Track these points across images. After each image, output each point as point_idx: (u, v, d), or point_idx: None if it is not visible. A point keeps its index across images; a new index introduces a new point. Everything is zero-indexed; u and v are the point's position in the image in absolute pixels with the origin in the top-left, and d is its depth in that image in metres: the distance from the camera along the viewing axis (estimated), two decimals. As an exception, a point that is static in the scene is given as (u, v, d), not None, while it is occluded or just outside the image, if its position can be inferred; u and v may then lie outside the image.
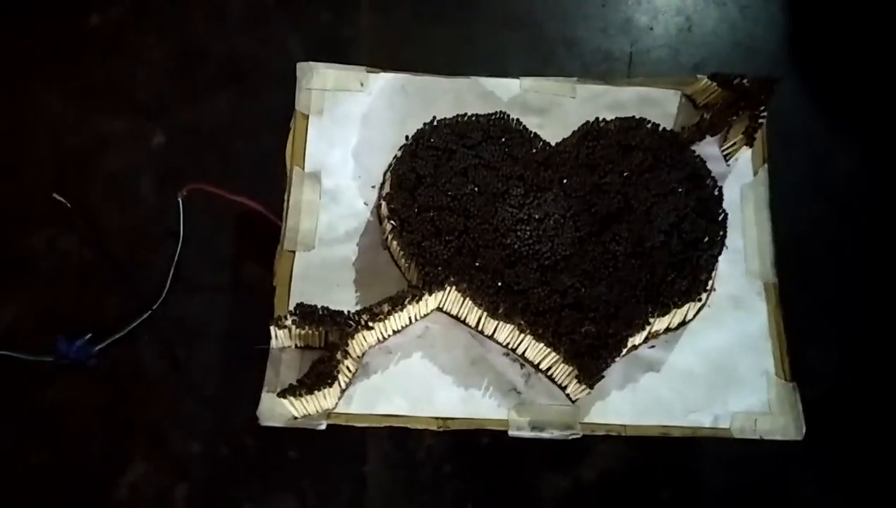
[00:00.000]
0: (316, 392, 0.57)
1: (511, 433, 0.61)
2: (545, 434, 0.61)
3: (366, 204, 0.69)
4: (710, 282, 0.63)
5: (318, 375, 0.57)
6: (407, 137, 0.66)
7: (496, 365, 0.64)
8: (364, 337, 0.61)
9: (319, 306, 0.60)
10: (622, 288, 0.62)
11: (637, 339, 0.64)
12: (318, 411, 0.60)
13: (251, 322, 0.66)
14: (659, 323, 0.63)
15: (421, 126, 0.66)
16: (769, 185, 0.72)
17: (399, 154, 0.65)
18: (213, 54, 0.93)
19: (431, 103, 0.71)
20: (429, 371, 0.63)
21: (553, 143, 0.68)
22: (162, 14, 0.95)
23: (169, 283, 0.79)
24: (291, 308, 0.61)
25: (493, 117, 0.67)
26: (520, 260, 0.62)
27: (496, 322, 0.61)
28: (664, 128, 0.67)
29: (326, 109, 0.72)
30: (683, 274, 0.62)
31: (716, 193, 0.65)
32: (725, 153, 0.71)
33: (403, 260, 0.63)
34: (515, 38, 0.95)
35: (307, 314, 0.59)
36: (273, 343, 0.62)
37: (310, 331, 0.60)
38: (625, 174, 0.65)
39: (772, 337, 0.66)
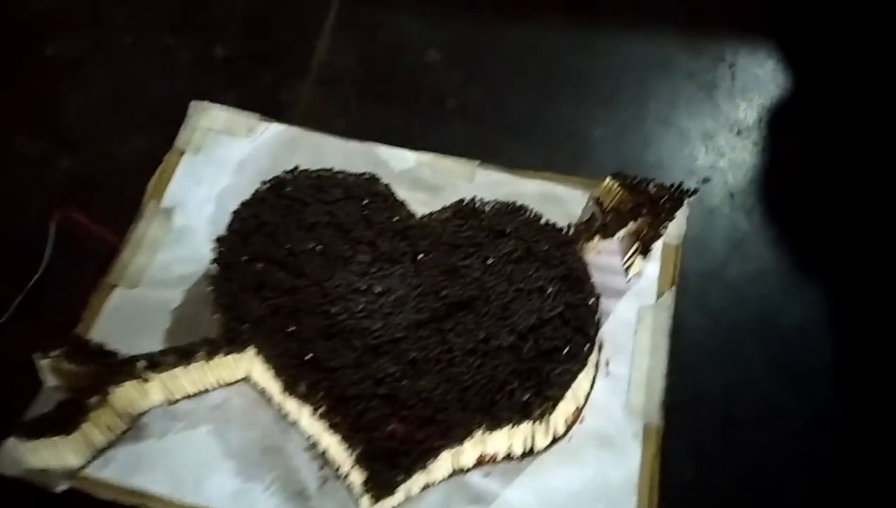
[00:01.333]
0: (47, 438, 0.47)
1: (278, 543, 0.50)
2: (320, 554, 0.49)
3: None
4: (557, 403, 0.51)
5: (56, 419, 0.48)
6: (263, 183, 0.60)
7: (292, 459, 0.53)
8: (144, 391, 0.52)
9: (94, 342, 0.52)
10: (450, 389, 0.51)
11: (465, 459, 0.52)
12: (58, 466, 0.50)
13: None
14: (492, 444, 0.52)
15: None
16: (675, 312, 0.62)
17: (249, 198, 0.59)
18: (151, 98, 0.91)
19: (317, 162, 0.65)
20: (210, 450, 0.53)
21: (420, 216, 0.60)
22: (116, 56, 0.95)
23: (13, 308, 0.72)
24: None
25: (360, 177, 0.60)
26: (340, 334, 0.53)
27: (299, 404, 0.51)
28: (547, 221, 0.59)
29: (205, 149, 0.67)
30: (527, 385, 0.51)
31: (591, 302, 0.55)
32: (626, 266, 0.61)
33: (214, 313, 0.55)
34: (459, 127, 0.89)
35: (75, 348, 0.51)
36: (44, 379, 0.53)
37: (80, 371, 0.51)
38: (488, 261, 0.56)
39: (640, 492, 0.53)
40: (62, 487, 0.50)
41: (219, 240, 0.57)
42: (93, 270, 0.79)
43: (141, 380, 0.51)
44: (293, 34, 0.93)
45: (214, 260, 0.56)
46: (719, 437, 0.67)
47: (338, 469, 0.52)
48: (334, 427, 0.50)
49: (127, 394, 0.51)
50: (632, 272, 0.61)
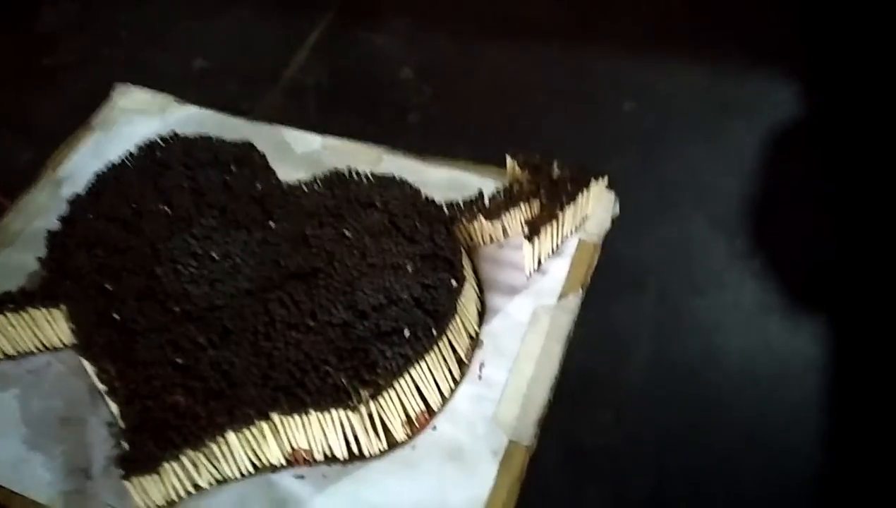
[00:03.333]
0: None
1: (38, 526, 0.42)
2: (79, 545, 0.41)
3: (92, 220, 0.59)
4: (379, 392, 0.42)
5: None
6: (140, 149, 0.57)
7: (89, 434, 0.46)
8: None
9: None
10: (255, 363, 0.43)
11: (271, 453, 0.43)
12: None
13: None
14: (300, 436, 0.42)
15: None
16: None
17: (118, 161, 0.56)
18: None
19: (221, 142, 0.62)
20: (9, 414, 0.47)
21: (287, 185, 0.54)
22: (103, 67, 0.97)
23: None
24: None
25: (235, 144, 0.56)
26: (158, 297, 0.47)
27: (92, 369, 0.45)
28: (426, 197, 0.51)
29: (115, 127, 0.66)
30: (345, 366, 0.42)
31: (453, 285, 0.46)
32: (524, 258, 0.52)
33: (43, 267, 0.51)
34: (415, 141, 0.82)
35: None
36: None
37: None
38: (345, 232, 0.49)
39: (486, 521, 0.42)
40: None
41: (73, 198, 0.53)
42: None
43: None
44: (272, 49, 0.92)
45: (60, 217, 0.52)
46: (648, 497, 0.53)
47: (128, 449, 0.45)
48: (114, 393, 0.43)
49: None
50: (527, 265, 0.51)
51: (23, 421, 0.47)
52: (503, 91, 0.83)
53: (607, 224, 0.54)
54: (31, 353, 0.50)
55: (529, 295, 0.51)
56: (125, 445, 0.41)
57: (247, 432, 0.41)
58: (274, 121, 0.76)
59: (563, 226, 0.51)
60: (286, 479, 0.44)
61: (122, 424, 0.44)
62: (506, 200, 0.50)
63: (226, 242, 0.50)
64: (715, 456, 0.53)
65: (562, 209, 0.49)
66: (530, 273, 0.52)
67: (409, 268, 0.47)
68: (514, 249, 0.53)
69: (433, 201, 0.51)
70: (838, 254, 0.66)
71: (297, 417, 0.41)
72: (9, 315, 0.48)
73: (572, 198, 0.50)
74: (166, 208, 0.52)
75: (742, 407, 0.56)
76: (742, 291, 0.63)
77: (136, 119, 0.66)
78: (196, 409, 0.41)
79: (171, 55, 0.93)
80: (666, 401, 0.54)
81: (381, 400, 0.42)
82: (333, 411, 0.41)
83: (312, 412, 0.41)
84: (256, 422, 0.41)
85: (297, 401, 0.41)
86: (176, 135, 0.57)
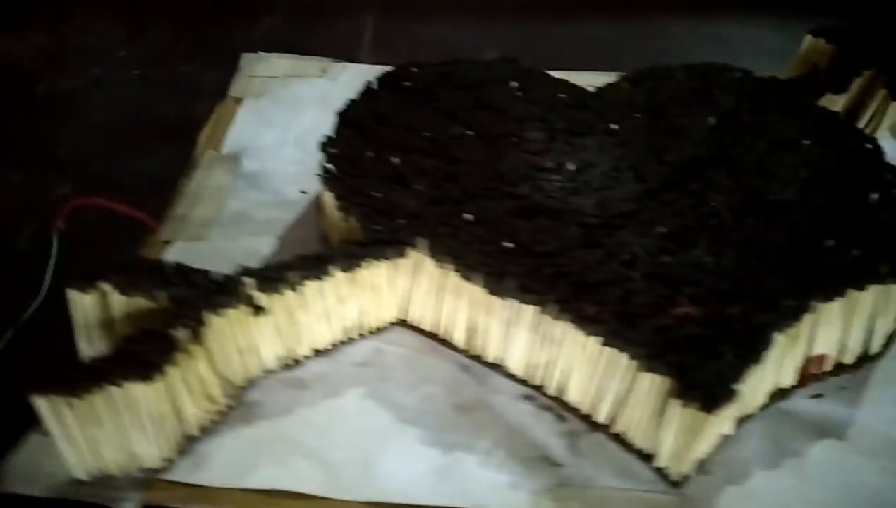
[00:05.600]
0: (113, 385, 0.26)
1: (544, 542, 0.28)
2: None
3: (304, 192, 0.44)
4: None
5: (125, 355, 0.27)
6: (382, 78, 0.44)
7: (510, 415, 0.32)
8: (251, 339, 0.32)
9: (169, 262, 0.32)
10: (740, 257, 0.33)
11: (786, 369, 0.32)
12: (121, 461, 0.28)
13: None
14: (825, 337, 0.33)
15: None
16: None
17: (355, 98, 0.43)
18: (160, 119, 0.74)
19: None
20: (374, 421, 0.32)
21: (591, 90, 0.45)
22: (117, 87, 0.79)
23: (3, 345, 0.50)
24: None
25: (496, 62, 0.45)
26: (543, 215, 0.35)
27: (514, 312, 0.32)
28: (762, 77, 0.44)
29: (269, 93, 0.52)
30: (847, 238, 0.34)
31: (867, 144, 0.39)
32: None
33: (342, 221, 0.36)
34: None
35: (144, 268, 0.31)
36: (80, 338, 0.32)
37: (149, 307, 0.31)
38: (710, 119, 0.41)
39: None
40: (129, 505, 0.28)
41: (327, 141, 0.40)
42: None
43: (249, 310, 0.31)
44: (329, 50, 0.80)
45: (328, 161, 0.38)
46: None
47: (589, 416, 0.31)
48: (588, 324, 0.30)
49: (227, 340, 0.31)
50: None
51: (405, 421, 0.32)
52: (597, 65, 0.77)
53: None
54: (343, 343, 0.35)
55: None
56: (666, 375, 0.28)
57: (782, 336, 0.31)
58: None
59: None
60: (802, 403, 0.33)
61: (589, 377, 0.31)
62: (844, 71, 0.45)
63: (573, 151, 0.39)
64: None
65: (906, 68, 0.45)
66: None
67: (807, 142, 0.39)
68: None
69: (775, 78, 0.44)
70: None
71: (847, 302, 0.32)
72: (337, 277, 0.33)
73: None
74: (469, 132, 0.40)
75: None
76: None
77: (294, 82, 0.53)
78: (724, 311, 0.30)
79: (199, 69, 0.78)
80: None
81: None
82: (865, 294, 0.32)
83: (844, 292, 0.32)
84: (800, 317, 0.31)
85: (834, 286, 0.32)
86: (411, 64, 0.45)
